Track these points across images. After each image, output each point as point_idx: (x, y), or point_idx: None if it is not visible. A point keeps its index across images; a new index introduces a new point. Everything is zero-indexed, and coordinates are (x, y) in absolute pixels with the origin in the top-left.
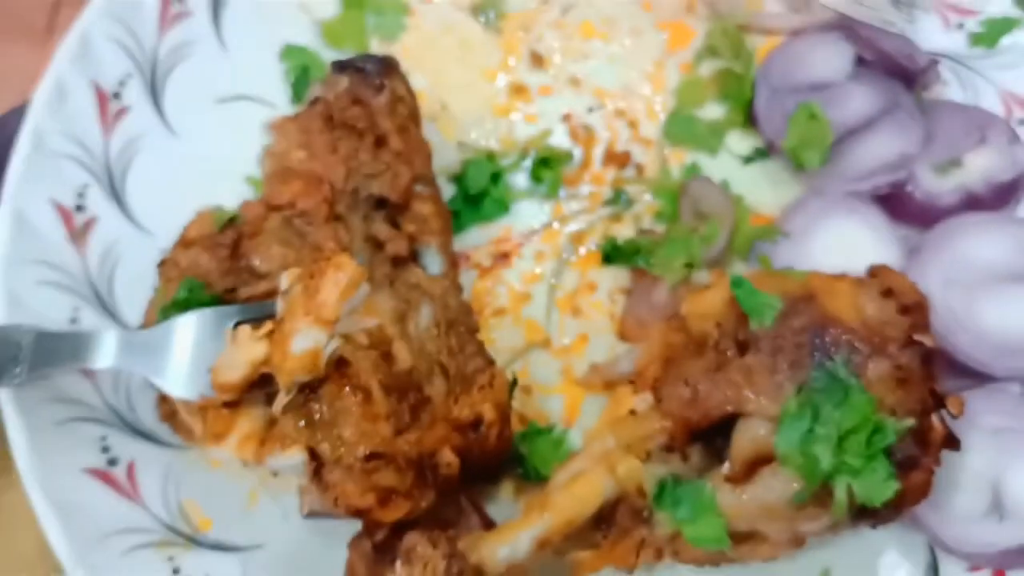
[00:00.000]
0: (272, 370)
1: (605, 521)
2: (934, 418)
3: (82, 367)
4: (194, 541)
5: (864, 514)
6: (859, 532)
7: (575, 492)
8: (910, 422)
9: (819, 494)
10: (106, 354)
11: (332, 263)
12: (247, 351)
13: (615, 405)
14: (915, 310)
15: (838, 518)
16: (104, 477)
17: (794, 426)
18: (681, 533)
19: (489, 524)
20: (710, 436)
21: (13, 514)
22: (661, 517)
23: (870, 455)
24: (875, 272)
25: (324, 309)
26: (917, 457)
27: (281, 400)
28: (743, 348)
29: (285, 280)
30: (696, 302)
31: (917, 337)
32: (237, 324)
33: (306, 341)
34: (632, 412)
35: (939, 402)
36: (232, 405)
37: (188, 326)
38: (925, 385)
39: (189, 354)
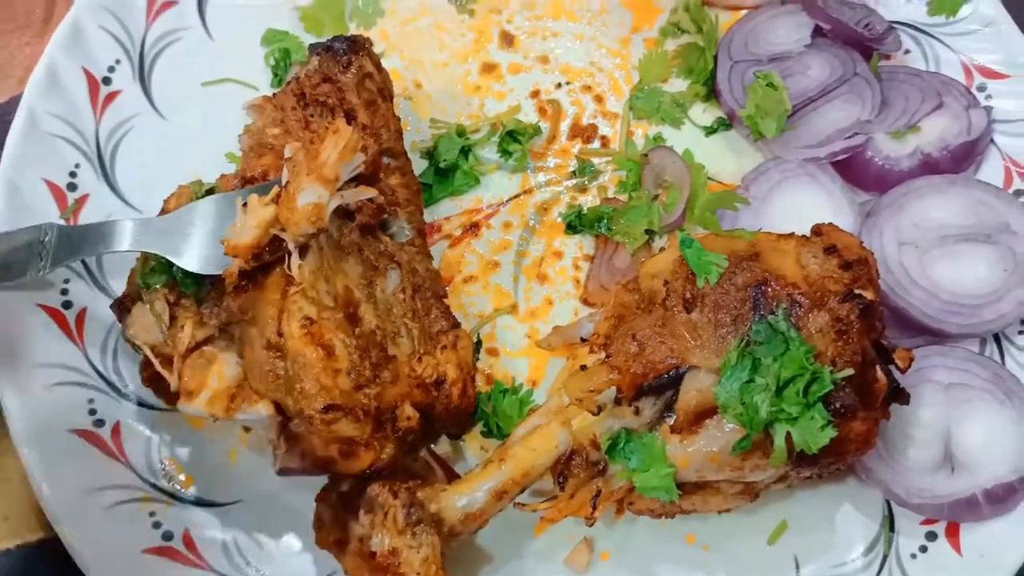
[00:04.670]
0: (282, 224)
1: (563, 474)
2: (878, 370)
3: (102, 253)
4: (176, 498)
5: (805, 461)
6: (816, 487)
7: (531, 444)
8: (848, 372)
9: (761, 443)
10: (123, 239)
11: (331, 128)
12: (258, 214)
13: (573, 364)
14: (857, 265)
15: (778, 465)
16: (91, 437)
17: (734, 376)
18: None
19: (454, 479)
20: (661, 390)
21: (8, 476)
22: (615, 469)
23: (807, 403)
24: (820, 230)
25: (325, 168)
26: (856, 407)
27: (295, 260)
28: (690, 305)
29: (289, 150)
30: (649, 263)
31: (859, 292)
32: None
33: (310, 196)
34: (583, 367)
35: (885, 356)
36: (246, 277)
37: (205, 207)
38: (865, 337)
39: (206, 233)
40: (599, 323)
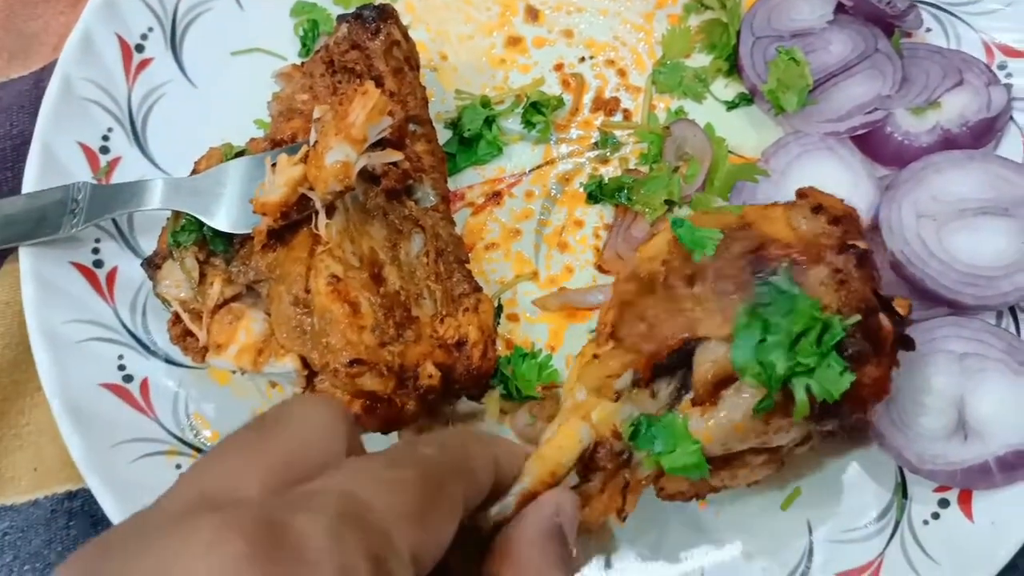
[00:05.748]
0: (310, 183)
1: (588, 467)
2: (882, 318)
3: (133, 211)
4: (201, 451)
5: (827, 414)
6: (833, 454)
7: (554, 443)
8: (856, 318)
9: (781, 403)
10: (154, 198)
11: (360, 90)
12: (287, 173)
13: (582, 359)
14: (845, 220)
15: (800, 421)
16: (119, 391)
17: (747, 339)
18: (662, 468)
19: None
20: (674, 369)
21: (39, 430)
22: (640, 456)
23: (822, 352)
24: (803, 193)
25: (353, 128)
26: (868, 351)
27: (322, 218)
28: (690, 281)
29: (318, 111)
30: (643, 249)
31: (852, 242)
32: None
33: (338, 155)
34: (595, 356)
35: (884, 303)
36: (274, 236)
37: (235, 168)
38: (865, 284)
39: (236, 193)
40: (603, 313)
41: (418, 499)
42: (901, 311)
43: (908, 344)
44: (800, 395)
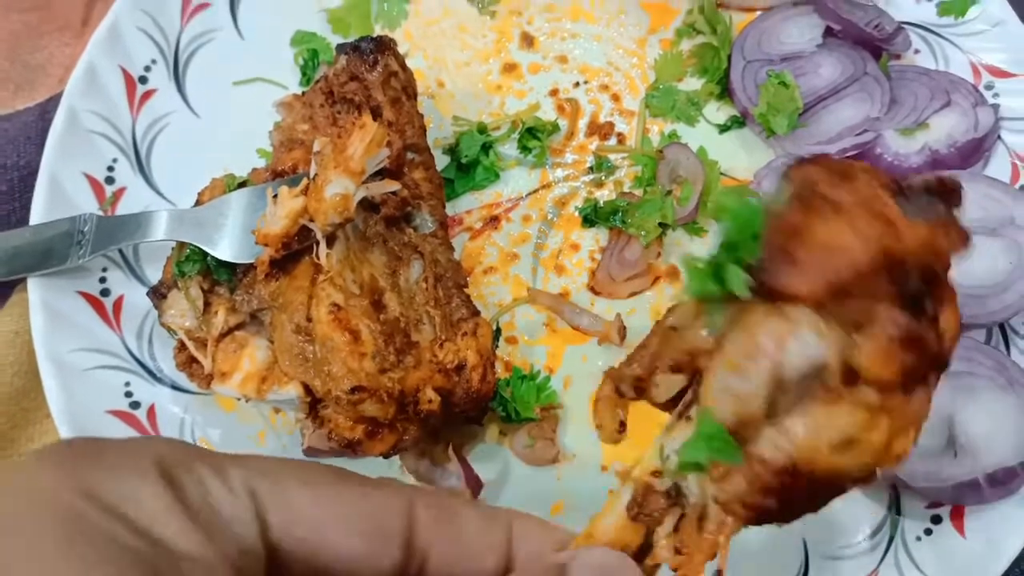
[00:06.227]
0: (310, 215)
1: (649, 528)
2: None
3: (139, 242)
4: None
5: None
6: None
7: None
8: None
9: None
10: (159, 229)
11: (358, 124)
12: (287, 205)
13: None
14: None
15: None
16: (126, 417)
17: None
18: (708, 477)
19: (473, 477)
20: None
21: None
22: (688, 487)
23: None
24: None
25: (352, 162)
26: None
27: (323, 248)
28: None
29: (318, 144)
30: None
31: None
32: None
33: (338, 188)
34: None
35: None
36: (276, 266)
37: (237, 199)
38: None
39: (238, 224)
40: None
41: None
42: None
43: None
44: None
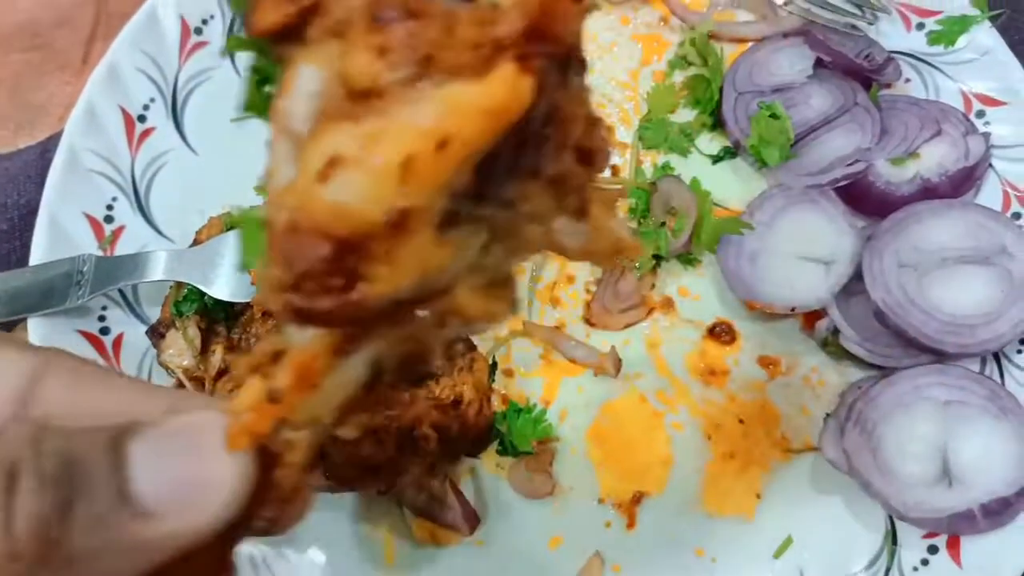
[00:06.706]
0: None
1: None
2: None
3: (137, 282)
4: None
5: None
6: (822, 505)
7: None
8: None
9: None
10: (157, 269)
11: None
12: None
13: None
14: None
15: None
16: None
17: None
18: None
19: (470, 512)
20: None
21: None
22: None
23: None
24: None
25: None
26: None
27: None
28: None
29: None
30: None
31: None
32: None
33: None
34: None
35: None
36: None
37: (234, 239)
38: None
39: (235, 263)
40: None
41: None
42: None
43: None
44: None
